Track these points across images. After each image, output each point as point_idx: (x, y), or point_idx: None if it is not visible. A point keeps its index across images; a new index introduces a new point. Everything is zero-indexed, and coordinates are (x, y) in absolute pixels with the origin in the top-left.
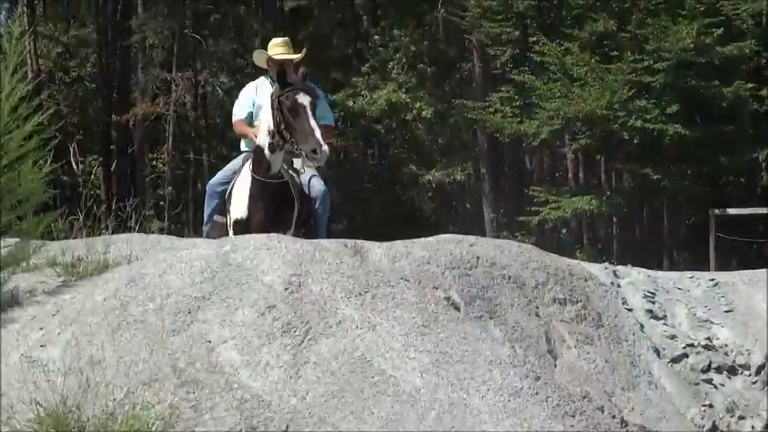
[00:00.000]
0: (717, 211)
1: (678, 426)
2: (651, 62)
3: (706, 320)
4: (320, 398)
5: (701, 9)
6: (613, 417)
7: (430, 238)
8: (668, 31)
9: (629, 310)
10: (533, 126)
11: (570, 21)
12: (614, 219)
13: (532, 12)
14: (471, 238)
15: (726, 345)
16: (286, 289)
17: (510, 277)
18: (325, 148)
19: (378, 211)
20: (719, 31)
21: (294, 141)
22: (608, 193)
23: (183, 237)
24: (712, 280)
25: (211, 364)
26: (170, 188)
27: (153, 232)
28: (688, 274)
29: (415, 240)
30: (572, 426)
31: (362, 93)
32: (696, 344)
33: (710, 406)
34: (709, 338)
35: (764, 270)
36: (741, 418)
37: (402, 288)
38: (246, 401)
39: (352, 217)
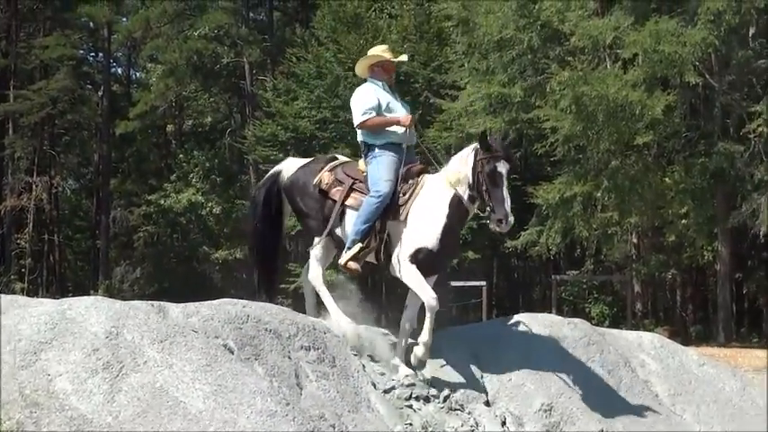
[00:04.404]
0: None
1: None
2: None
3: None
4: (129, 417)
5: None
6: None
7: (214, 301)
8: None
9: (354, 354)
10: (291, 221)
11: (319, 148)
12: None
13: (292, 141)
14: (244, 302)
15: (425, 381)
16: (107, 337)
17: (271, 330)
18: (511, 219)
19: (179, 280)
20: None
21: (487, 204)
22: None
23: (38, 296)
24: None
25: (49, 392)
26: (30, 260)
27: (16, 292)
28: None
29: (203, 302)
30: None
31: (171, 194)
32: (402, 380)
33: (411, 424)
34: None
35: (459, 326)
36: None
37: (192, 337)
38: (75, 419)
39: (161, 283)
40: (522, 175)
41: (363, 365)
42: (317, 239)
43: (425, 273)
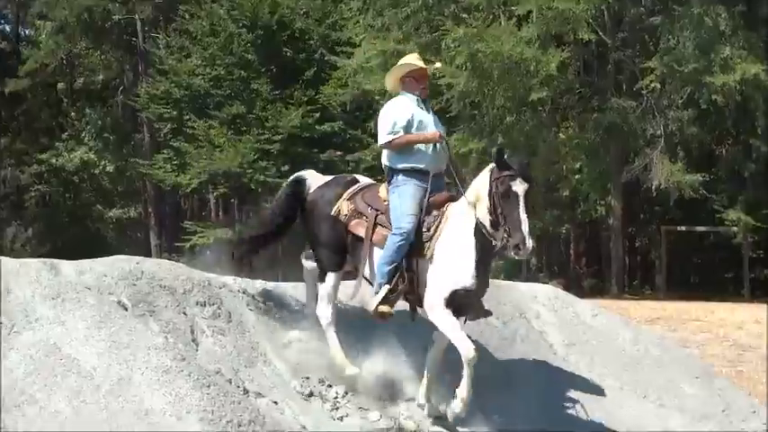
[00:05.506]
0: None
1: (284, 392)
2: (270, 135)
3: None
4: (22, 375)
5: (305, 99)
6: (238, 386)
7: (108, 258)
8: (282, 114)
9: (251, 310)
10: (186, 178)
11: (213, 106)
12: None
13: (186, 99)
14: (139, 258)
15: None
16: None
17: (166, 286)
18: (530, 243)
19: (72, 239)
20: (317, 115)
21: (504, 228)
22: (237, 226)
23: None
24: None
25: None
26: None
27: None
28: (291, 284)
29: (97, 260)
30: (208, 393)
31: (63, 153)
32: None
33: (308, 378)
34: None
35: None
36: (329, 386)
37: (85, 294)
38: None
39: (54, 242)
40: None
41: (259, 320)
42: (330, 275)
43: (462, 313)
